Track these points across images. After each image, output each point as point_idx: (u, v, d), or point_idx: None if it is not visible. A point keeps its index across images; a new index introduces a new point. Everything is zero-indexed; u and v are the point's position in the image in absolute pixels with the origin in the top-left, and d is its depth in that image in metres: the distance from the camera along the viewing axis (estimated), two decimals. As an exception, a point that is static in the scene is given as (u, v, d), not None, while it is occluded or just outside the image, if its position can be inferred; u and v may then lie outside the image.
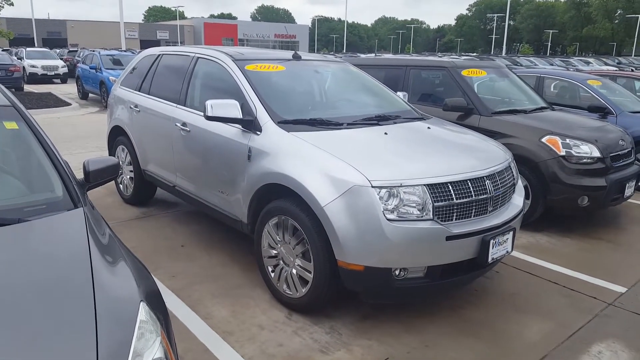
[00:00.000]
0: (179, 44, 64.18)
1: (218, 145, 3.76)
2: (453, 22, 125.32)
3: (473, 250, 3.01)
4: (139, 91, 4.95)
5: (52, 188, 2.19)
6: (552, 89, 7.78)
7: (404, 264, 2.87)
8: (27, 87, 18.50)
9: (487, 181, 3.12)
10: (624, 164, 5.12)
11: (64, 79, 22.14)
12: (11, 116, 2.37)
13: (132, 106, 4.93)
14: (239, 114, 3.47)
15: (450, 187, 2.94)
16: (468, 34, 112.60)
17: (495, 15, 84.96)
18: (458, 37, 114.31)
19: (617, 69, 24.79)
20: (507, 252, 3.24)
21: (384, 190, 2.80)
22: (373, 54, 39.71)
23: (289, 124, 3.42)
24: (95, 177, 2.40)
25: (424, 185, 2.87)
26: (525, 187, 4.87)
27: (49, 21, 62.97)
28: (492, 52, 77.09)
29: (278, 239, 3.27)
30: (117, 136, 5.31)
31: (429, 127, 3.77)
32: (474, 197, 3.02)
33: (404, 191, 2.83)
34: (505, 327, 3.20)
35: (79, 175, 2.39)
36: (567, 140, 4.81)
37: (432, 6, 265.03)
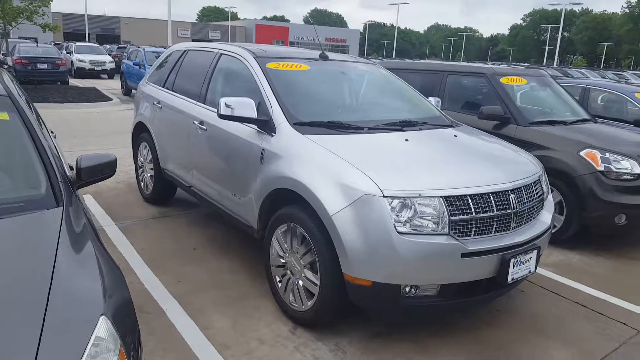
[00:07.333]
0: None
1: (232, 146, 3.63)
2: (507, 32, 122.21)
3: (492, 269, 2.76)
4: (163, 87, 4.90)
5: (36, 184, 2.08)
6: (598, 101, 7.33)
7: (414, 281, 2.66)
8: (74, 81, 18.92)
9: (512, 195, 2.86)
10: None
11: (111, 74, 22.65)
12: (4, 106, 2.29)
13: (155, 102, 4.89)
14: (253, 114, 3.33)
15: (470, 200, 2.71)
16: (521, 44, 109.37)
17: (550, 26, 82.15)
18: (511, 46, 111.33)
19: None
20: (530, 272, 2.96)
21: (396, 201, 2.59)
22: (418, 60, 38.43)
23: (305, 125, 3.25)
24: (87, 174, 2.30)
25: (441, 197, 2.64)
26: (560, 203, 4.56)
27: (104, 17, 64.56)
28: (544, 63, 74.61)
29: (286, 247, 3.11)
30: (140, 133, 5.28)
31: (455, 135, 3.53)
32: (495, 211, 2.77)
33: (419, 202, 2.61)
34: (524, 352, 2.95)
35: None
36: (607, 155, 4.47)
37: (487, 15, 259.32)
